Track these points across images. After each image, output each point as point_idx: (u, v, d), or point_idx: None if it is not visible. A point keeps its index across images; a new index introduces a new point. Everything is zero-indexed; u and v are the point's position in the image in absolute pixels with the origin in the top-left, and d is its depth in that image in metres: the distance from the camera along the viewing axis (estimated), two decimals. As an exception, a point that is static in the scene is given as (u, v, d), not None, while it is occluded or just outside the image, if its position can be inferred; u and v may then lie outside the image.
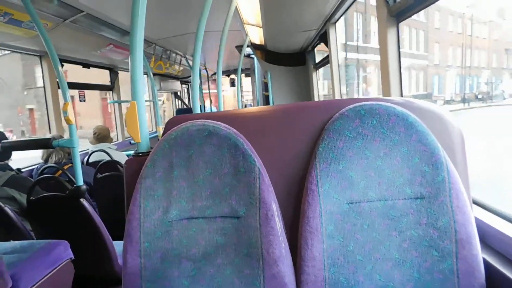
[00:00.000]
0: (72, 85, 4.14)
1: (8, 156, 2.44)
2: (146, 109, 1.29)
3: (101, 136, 3.62)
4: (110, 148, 3.50)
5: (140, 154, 1.22)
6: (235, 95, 10.76)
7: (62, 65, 3.55)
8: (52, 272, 1.72)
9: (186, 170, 1.03)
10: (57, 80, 2.36)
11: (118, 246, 2.19)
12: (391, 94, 1.85)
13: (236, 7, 3.08)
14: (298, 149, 1.09)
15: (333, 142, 1.01)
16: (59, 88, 3.21)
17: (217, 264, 1.00)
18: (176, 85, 8.13)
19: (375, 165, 1.00)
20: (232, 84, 9.45)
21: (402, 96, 1.87)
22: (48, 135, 2.71)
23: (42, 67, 3.49)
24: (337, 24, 3.44)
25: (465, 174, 1.04)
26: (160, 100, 7.28)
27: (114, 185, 2.71)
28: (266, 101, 5.76)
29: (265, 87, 5.72)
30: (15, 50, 3.18)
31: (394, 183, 0.99)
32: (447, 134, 1.05)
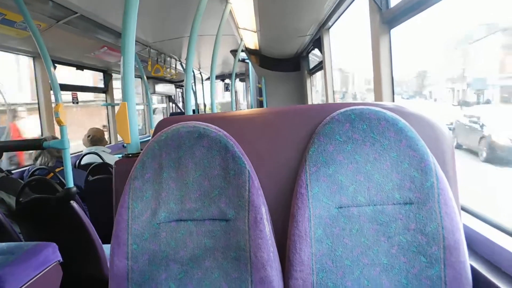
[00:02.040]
0: (64, 87, 4.13)
1: None
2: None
3: (95, 138, 3.58)
4: (103, 151, 3.47)
5: (130, 155, 1.21)
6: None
7: (55, 67, 3.53)
8: (40, 274, 1.70)
9: (176, 172, 1.02)
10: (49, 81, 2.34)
11: (108, 249, 2.17)
12: (383, 99, 1.86)
13: (230, 11, 3.09)
14: (288, 152, 1.09)
15: (323, 146, 1.01)
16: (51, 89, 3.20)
17: (205, 267, 0.99)
18: (171, 88, 8.11)
19: (364, 169, 1.00)
20: (227, 89, 9.45)
21: (393, 101, 1.88)
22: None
23: (35, 69, 3.47)
24: (330, 30, 3.46)
25: (454, 180, 1.05)
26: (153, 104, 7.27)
27: (106, 188, 2.68)
28: (260, 106, 5.77)
29: (260, 92, 5.73)
30: (8, 51, 3.16)
31: (383, 188, 0.99)
32: (436, 140, 1.05)
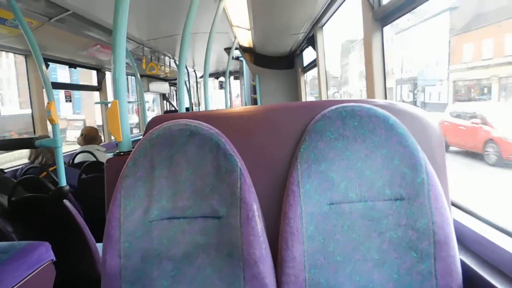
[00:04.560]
0: (57, 85, 4.10)
1: None
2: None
3: (89, 137, 3.56)
4: (98, 150, 3.45)
5: (122, 153, 1.21)
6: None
7: (48, 65, 3.51)
8: (33, 274, 1.69)
9: (168, 170, 1.02)
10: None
11: (102, 248, 2.16)
12: (375, 97, 1.87)
13: (224, 9, 3.08)
14: (280, 150, 1.09)
15: (314, 143, 1.01)
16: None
17: (198, 265, 1.00)
18: (165, 87, 8.08)
19: (355, 166, 1.00)
20: (221, 86, 9.45)
21: (386, 98, 1.88)
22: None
23: (27, 67, 3.44)
24: (324, 27, 3.47)
25: (444, 176, 1.06)
26: (147, 102, 7.27)
27: (99, 187, 2.66)
28: (254, 104, 5.77)
29: (254, 90, 5.73)
30: (-1, 49, 3.13)
31: (374, 184, 1.00)
32: (427, 136, 1.06)
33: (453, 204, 1.24)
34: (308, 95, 4.98)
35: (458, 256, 0.96)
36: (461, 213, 1.21)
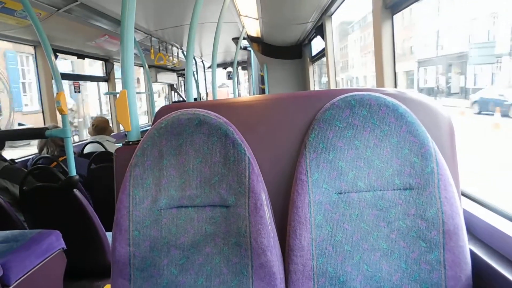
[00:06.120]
0: (66, 76, 4.12)
1: (1, 146, 2.43)
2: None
3: (99, 127, 3.58)
4: (108, 140, 3.47)
5: (130, 142, 1.21)
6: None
7: (56, 56, 3.53)
8: (44, 262, 1.72)
9: (176, 159, 1.02)
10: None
11: (111, 236, 2.19)
12: (384, 85, 1.85)
13: None
14: (289, 139, 1.09)
15: (323, 132, 1.01)
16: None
17: (206, 253, 1.00)
18: (173, 77, 8.10)
19: (364, 155, 1.00)
20: (229, 77, 9.45)
21: (396, 87, 1.86)
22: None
23: (36, 57, 3.46)
24: (333, 16, 3.42)
25: (454, 165, 1.04)
26: (155, 93, 7.30)
27: (108, 176, 2.69)
28: (262, 94, 5.74)
29: (262, 80, 5.71)
30: (9, 40, 3.15)
31: (383, 173, 0.99)
32: (437, 125, 1.05)
33: (463, 194, 1.22)
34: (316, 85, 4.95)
35: (467, 246, 0.95)
36: (471, 203, 1.20)
